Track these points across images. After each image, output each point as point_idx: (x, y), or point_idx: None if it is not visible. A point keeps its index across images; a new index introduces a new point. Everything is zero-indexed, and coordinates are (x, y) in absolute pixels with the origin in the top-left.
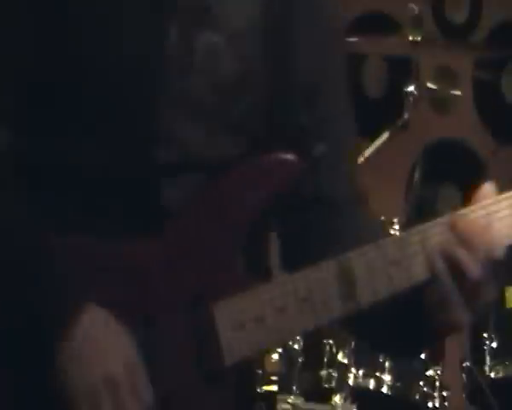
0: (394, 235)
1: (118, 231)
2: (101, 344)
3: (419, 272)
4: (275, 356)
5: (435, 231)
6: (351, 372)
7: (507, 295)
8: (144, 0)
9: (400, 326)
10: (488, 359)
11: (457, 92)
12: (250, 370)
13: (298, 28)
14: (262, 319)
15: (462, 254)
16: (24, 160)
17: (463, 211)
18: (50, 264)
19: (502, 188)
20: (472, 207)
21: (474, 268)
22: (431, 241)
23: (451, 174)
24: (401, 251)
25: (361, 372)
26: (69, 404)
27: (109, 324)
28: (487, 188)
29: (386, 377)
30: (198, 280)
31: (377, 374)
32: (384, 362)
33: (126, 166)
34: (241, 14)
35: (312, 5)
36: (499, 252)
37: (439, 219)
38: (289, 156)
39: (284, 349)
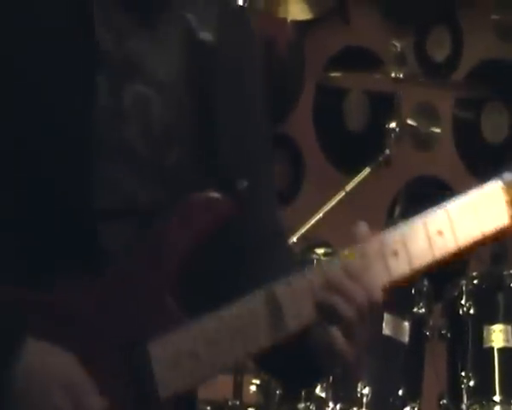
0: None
1: (52, 275)
2: (43, 375)
3: (309, 308)
4: (253, 388)
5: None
6: (328, 406)
7: (485, 334)
8: (76, 54)
9: (287, 358)
10: (465, 397)
11: (437, 130)
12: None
13: (220, 82)
14: (196, 355)
15: (336, 300)
16: None
17: (333, 259)
18: None
19: None
20: (345, 253)
21: (348, 312)
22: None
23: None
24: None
25: (338, 407)
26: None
27: (48, 352)
28: (361, 227)
29: None
30: (133, 322)
31: (355, 409)
32: (362, 397)
33: (63, 213)
34: (168, 67)
35: (233, 59)
36: (378, 294)
37: (308, 271)
38: (218, 195)
39: (263, 381)
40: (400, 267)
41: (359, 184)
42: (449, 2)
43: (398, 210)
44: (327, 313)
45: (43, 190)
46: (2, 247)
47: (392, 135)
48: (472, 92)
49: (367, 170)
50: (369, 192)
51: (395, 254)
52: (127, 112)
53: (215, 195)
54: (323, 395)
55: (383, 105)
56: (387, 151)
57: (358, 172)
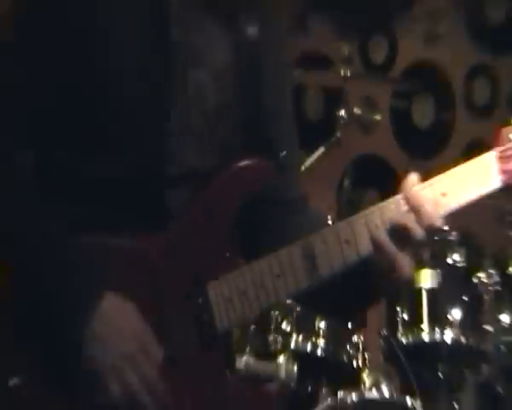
0: (345, 220)
1: (130, 231)
2: (118, 325)
3: (365, 247)
4: None
5: (378, 212)
6: (292, 337)
7: (416, 275)
8: (153, 45)
9: (351, 291)
10: (400, 327)
11: (378, 117)
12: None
13: (262, 68)
14: (245, 294)
15: (411, 222)
16: (50, 172)
17: (415, 189)
18: (75, 263)
19: None
20: (419, 187)
21: (419, 233)
22: (374, 221)
23: (373, 182)
24: (351, 231)
25: (300, 338)
26: (97, 379)
27: (123, 306)
28: (413, 177)
29: (321, 342)
30: (195, 265)
31: (313, 339)
32: (319, 330)
33: (139, 178)
34: (223, 58)
35: (272, 51)
36: (439, 221)
37: (376, 206)
38: (262, 161)
39: None
40: (448, 205)
41: (315, 160)
42: (386, 15)
43: (346, 182)
44: (397, 237)
45: (127, 160)
46: (92, 212)
47: (342, 121)
48: (405, 86)
49: (321, 149)
50: (323, 167)
51: (443, 195)
52: (190, 93)
53: (259, 161)
54: (288, 328)
55: (334, 97)
56: (338, 134)
57: (315, 151)
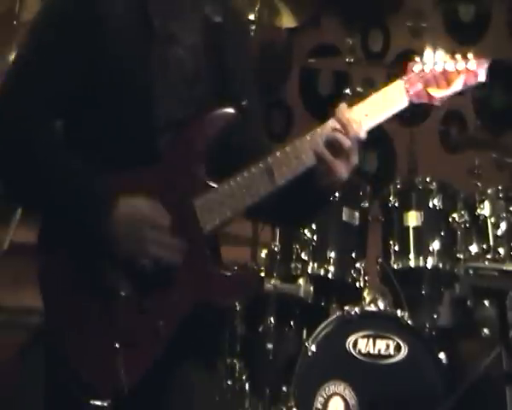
0: (295, 141)
1: (136, 167)
2: (139, 205)
3: (310, 159)
4: (263, 255)
5: (318, 133)
6: (309, 265)
7: (404, 218)
8: (140, 32)
9: (301, 196)
10: (393, 257)
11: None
12: None
13: (226, 44)
14: (222, 203)
15: (341, 136)
16: (76, 134)
17: (343, 111)
18: (100, 183)
19: None
20: (348, 111)
21: (347, 142)
22: (315, 139)
23: (372, 145)
24: (299, 149)
25: (316, 265)
26: (123, 246)
27: (138, 199)
28: (343, 105)
29: (331, 268)
30: (184, 185)
31: (325, 266)
32: (330, 259)
33: (137, 133)
34: (194, 38)
35: (233, 31)
36: (363, 134)
37: (317, 128)
38: (229, 108)
39: (268, 250)
40: (370, 122)
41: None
42: (381, 13)
43: None
44: (331, 149)
45: (128, 119)
46: (107, 152)
47: (347, 97)
48: (397, 70)
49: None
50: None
51: (366, 115)
52: (171, 65)
53: (225, 108)
54: (306, 258)
55: (341, 79)
56: None
57: (326, 120)
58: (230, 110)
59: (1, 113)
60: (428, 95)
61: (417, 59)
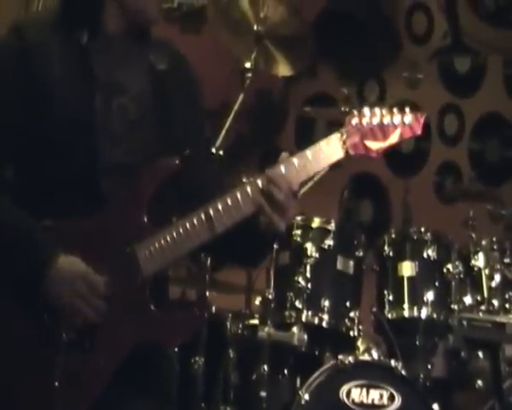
0: (235, 191)
1: (72, 213)
2: (69, 272)
3: (249, 209)
4: (257, 302)
5: (257, 184)
6: (303, 313)
7: (398, 268)
8: (83, 82)
9: (243, 242)
10: (387, 306)
11: None
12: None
13: (171, 92)
14: (163, 249)
15: (275, 191)
16: (21, 178)
17: (272, 170)
18: (36, 237)
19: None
20: (286, 162)
21: (281, 197)
22: (254, 190)
23: (367, 195)
24: (239, 200)
25: (310, 313)
26: (56, 310)
27: (74, 260)
28: (284, 154)
29: (325, 316)
30: (127, 230)
31: (319, 314)
32: (324, 307)
33: (80, 177)
34: (139, 86)
35: (178, 79)
36: (296, 187)
37: (256, 178)
38: (172, 158)
39: (263, 298)
40: (308, 172)
41: (321, 177)
42: (378, 65)
43: (346, 194)
44: (268, 201)
45: (70, 163)
46: (40, 198)
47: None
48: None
49: (326, 169)
50: (327, 182)
51: (304, 166)
52: (114, 113)
53: (169, 158)
54: (300, 306)
55: (337, 128)
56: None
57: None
58: (173, 161)
59: None
60: (365, 147)
61: (355, 112)
